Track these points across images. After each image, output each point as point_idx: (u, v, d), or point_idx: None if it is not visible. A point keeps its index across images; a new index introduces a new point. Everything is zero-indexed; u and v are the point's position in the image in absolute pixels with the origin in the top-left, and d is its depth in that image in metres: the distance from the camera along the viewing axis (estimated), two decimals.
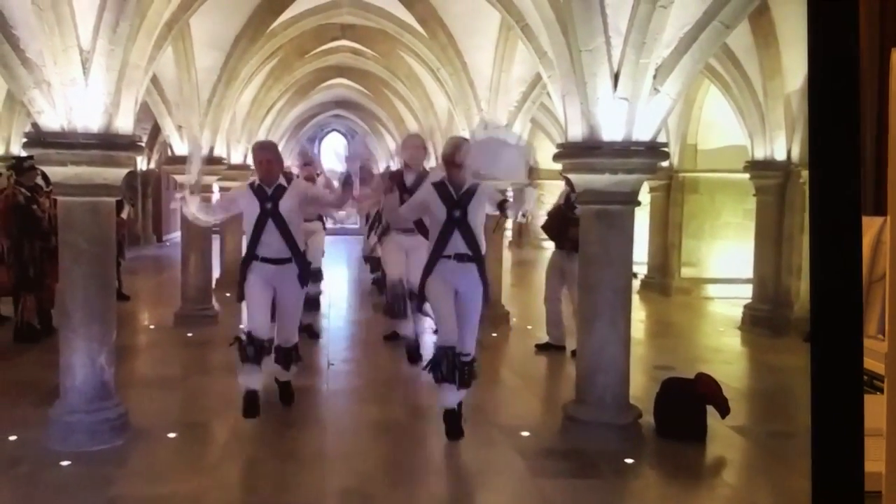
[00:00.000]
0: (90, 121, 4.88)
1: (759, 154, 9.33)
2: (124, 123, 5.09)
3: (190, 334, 8.54)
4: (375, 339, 8.47)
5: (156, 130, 17.32)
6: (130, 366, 7.14)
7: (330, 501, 4.46)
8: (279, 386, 5.94)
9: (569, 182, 7.14)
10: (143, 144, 6.89)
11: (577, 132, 5.33)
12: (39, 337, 8.05)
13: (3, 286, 8.31)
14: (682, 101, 9.60)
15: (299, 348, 5.88)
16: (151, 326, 9.34)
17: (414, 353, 7.33)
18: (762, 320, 9.37)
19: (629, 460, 4.99)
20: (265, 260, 5.43)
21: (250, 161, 10.42)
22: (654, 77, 5.10)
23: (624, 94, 5.09)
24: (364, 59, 13.47)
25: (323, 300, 9.22)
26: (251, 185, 5.56)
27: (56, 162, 4.94)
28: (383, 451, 5.27)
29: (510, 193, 5.50)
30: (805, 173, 8.77)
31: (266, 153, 5.58)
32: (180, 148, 9.39)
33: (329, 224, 9.35)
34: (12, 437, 5.16)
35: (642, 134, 5.20)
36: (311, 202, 5.85)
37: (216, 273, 10.82)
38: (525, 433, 5.49)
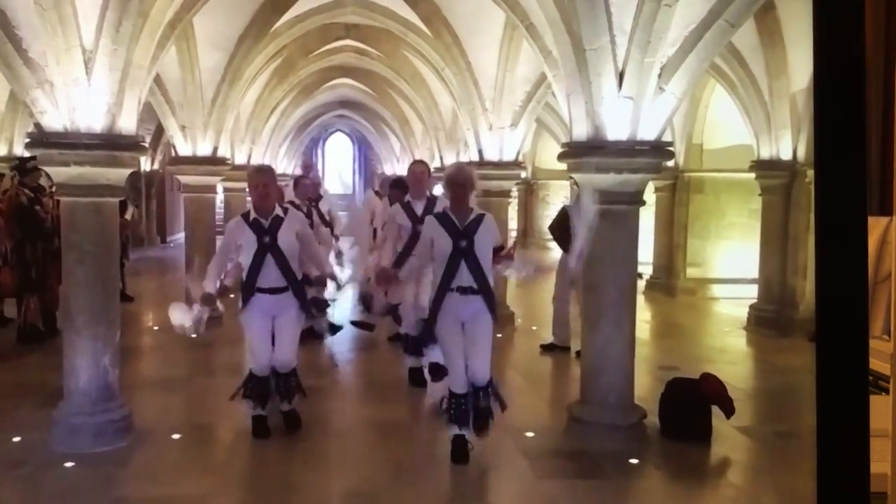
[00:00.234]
0: (93, 121, 4.88)
1: (765, 154, 9.31)
2: (127, 123, 5.09)
3: (194, 336, 8.51)
4: (380, 340, 8.46)
5: (159, 131, 17.36)
6: (135, 367, 7.15)
7: (334, 502, 4.46)
8: (283, 414, 5.56)
9: (576, 183, 7.08)
10: (146, 145, 6.86)
11: (581, 131, 5.31)
12: (43, 338, 8.05)
13: (6, 287, 8.32)
14: (687, 101, 9.55)
15: (299, 375, 5.57)
16: (155, 328, 9.34)
17: (418, 376, 6.79)
18: (768, 321, 9.35)
19: (634, 461, 4.98)
20: (263, 290, 5.28)
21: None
22: (659, 76, 5.08)
23: (629, 94, 5.07)
24: (368, 59, 13.47)
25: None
26: (245, 218, 5.33)
27: (59, 162, 4.93)
28: (388, 451, 5.26)
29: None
30: (811, 173, 8.73)
31: (262, 177, 5.37)
32: (184, 149, 9.40)
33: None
34: (16, 439, 5.17)
35: (647, 133, 5.19)
36: (299, 241, 5.45)
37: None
38: (529, 434, 5.49)
